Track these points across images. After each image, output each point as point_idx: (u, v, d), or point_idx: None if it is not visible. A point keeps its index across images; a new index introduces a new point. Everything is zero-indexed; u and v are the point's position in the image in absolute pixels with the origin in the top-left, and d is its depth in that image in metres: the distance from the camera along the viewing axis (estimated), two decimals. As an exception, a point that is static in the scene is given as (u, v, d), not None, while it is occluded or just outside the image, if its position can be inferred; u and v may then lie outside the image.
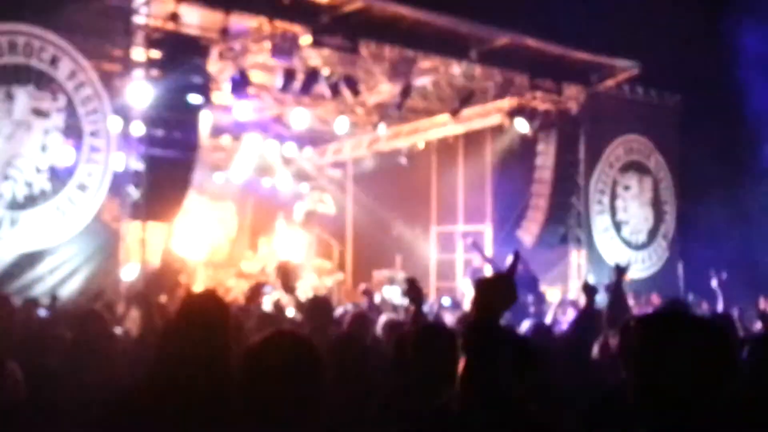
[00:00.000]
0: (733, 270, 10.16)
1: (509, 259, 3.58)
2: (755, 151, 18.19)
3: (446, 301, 14.89)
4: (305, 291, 15.82)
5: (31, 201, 11.49)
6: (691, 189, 18.59)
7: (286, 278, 15.68)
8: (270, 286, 14.84)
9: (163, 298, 11.90)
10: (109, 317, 7.39)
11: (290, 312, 13.33)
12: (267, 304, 12.59)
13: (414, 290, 6.33)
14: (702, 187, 17.97)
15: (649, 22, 16.31)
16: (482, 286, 3.28)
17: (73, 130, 11.90)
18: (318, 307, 7.85)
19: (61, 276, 11.54)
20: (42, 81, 11.64)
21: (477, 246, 16.75)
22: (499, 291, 3.23)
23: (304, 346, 3.29)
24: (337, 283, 17.20)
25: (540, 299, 14.12)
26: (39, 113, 11.62)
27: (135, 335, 7.94)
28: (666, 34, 16.23)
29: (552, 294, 16.81)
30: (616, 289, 7.80)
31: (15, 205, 11.35)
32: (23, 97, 11.46)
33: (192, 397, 3.79)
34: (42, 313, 9.29)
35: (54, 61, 11.77)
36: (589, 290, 7.46)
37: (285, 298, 14.65)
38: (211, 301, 4.37)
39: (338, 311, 9.52)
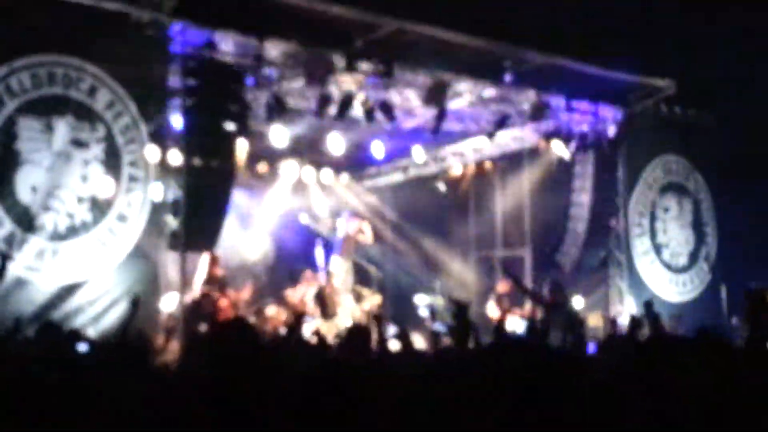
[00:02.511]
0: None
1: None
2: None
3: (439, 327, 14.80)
4: (345, 318, 15.74)
5: (72, 232, 11.48)
6: (732, 209, 18.31)
7: (325, 306, 15.70)
8: (310, 316, 14.80)
9: (203, 327, 11.87)
10: (149, 350, 7.33)
11: (329, 338, 13.28)
12: (307, 333, 12.52)
13: (462, 319, 6.21)
14: (743, 208, 17.74)
15: (686, 41, 16.15)
16: None
17: (112, 160, 11.90)
18: (357, 334, 7.78)
19: (101, 307, 11.49)
20: (81, 111, 11.65)
21: (509, 273, 16.62)
22: None
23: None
24: (376, 307, 17.10)
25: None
26: (78, 144, 11.62)
27: (173, 368, 7.86)
28: (703, 52, 16.06)
29: (593, 318, 16.61)
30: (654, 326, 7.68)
31: (57, 236, 11.35)
32: (63, 128, 11.48)
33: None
34: (83, 346, 9.24)
35: (92, 92, 11.78)
36: (634, 323, 7.38)
37: (324, 326, 14.64)
38: (238, 330, 4.25)
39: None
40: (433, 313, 16.52)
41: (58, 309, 11.12)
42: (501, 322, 15.47)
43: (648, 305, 8.13)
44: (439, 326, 14.94)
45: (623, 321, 14.92)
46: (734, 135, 17.84)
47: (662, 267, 18.00)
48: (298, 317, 9.42)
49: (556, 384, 3.81)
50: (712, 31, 16.23)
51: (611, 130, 17.49)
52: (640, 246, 17.82)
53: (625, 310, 16.75)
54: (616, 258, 17.58)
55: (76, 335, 9.55)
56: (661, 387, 2.89)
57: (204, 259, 14.65)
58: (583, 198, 17.70)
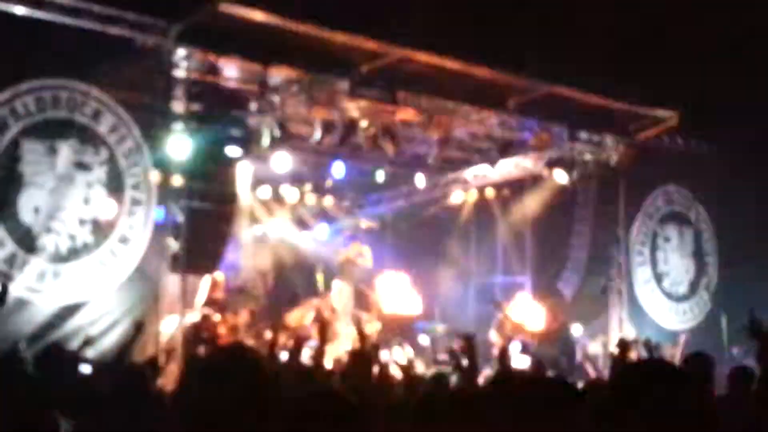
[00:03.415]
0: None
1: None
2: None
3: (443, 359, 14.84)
4: (344, 342, 15.75)
5: (74, 254, 11.57)
6: (735, 241, 18.33)
7: (324, 330, 15.66)
8: (313, 340, 14.81)
9: (201, 351, 11.91)
10: (149, 372, 7.38)
11: (328, 363, 13.30)
12: (306, 357, 12.53)
13: (471, 351, 6.24)
14: (745, 240, 17.77)
15: (689, 71, 16.23)
16: None
17: (115, 183, 12.01)
18: (359, 359, 7.81)
19: (101, 328, 11.54)
20: (85, 135, 11.78)
21: (498, 306, 16.71)
22: None
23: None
24: (375, 333, 17.11)
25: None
26: (82, 167, 11.74)
27: (170, 390, 7.91)
28: (706, 83, 16.14)
29: (593, 347, 16.64)
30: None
31: (58, 258, 11.44)
32: (66, 150, 11.59)
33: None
34: (84, 367, 9.28)
35: (96, 115, 11.90)
36: (623, 346, 7.44)
37: (323, 351, 14.62)
38: (236, 355, 4.28)
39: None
40: (434, 342, 16.54)
41: (58, 330, 11.20)
42: (504, 350, 15.47)
43: (647, 343, 8.19)
44: (442, 357, 14.97)
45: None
46: (736, 165, 17.90)
47: (663, 296, 18.03)
48: (298, 341, 9.45)
49: (558, 414, 3.86)
50: (716, 62, 16.32)
51: (613, 160, 17.53)
52: (641, 275, 17.86)
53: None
54: (617, 287, 17.60)
55: (77, 357, 9.61)
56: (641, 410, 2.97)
57: (205, 281, 14.70)
58: (584, 226, 17.77)
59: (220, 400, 3.95)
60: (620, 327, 17.21)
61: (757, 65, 16.56)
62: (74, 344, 10.82)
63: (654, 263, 18.13)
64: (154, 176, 12.39)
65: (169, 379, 9.92)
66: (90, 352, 10.81)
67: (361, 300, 17.65)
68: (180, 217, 12.77)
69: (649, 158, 17.88)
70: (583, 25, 15.44)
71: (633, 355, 7.70)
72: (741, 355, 14.26)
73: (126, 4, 11.98)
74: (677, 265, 18.44)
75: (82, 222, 11.68)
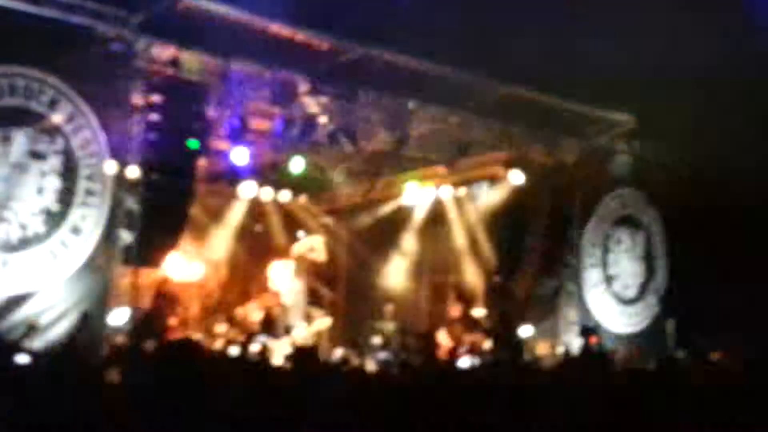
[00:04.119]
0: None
1: None
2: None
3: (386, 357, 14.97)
4: (295, 338, 15.81)
5: (24, 243, 11.49)
6: (685, 244, 18.58)
7: (274, 326, 15.77)
8: (263, 335, 14.85)
9: (150, 344, 11.90)
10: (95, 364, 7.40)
11: (278, 359, 13.36)
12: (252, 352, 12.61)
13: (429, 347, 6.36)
14: (695, 243, 18.01)
15: (646, 76, 16.40)
16: None
17: (69, 173, 11.93)
18: (305, 356, 7.88)
19: (49, 319, 11.49)
20: (40, 123, 11.69)
21: (462, 299, 16.83)
22: None
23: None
24: (326, 330, 17.18)
25: None
26: (36, 155, 11.65)
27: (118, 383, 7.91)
28: (663, 88, 16.32)
29: (542, 347, 16.80)
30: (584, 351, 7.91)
31: (8, 247, 11.35)
32: (21, 139, 11.50)
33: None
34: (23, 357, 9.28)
35: (53, 104, 11.82)
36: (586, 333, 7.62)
37: (273, 346, 14.70)
38: (185, 351, 4.34)
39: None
40: (386, 340, 16.59)
41: (4, 319, 11.12)
42: (453, 351, 15.67)
43: (585, 331, 8.36)
44: (385, 356, 15.09)
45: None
46: (691, 171, 18.15)
47: (612, 298, 18.25)
48: (249, 337, 9.53)
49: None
50: (673, 69, 16.50)
51: (569, 162, 17.70)
52: (592, 277, 18.05)
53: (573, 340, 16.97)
54: (567, 288, 17.78)
55: (15, 347, 9.59)
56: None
57: (156, 275, 14.66)
58: (538, 228, 17.89)
59: (167, 396, 4.01)
60: (570, 329, 17.40)
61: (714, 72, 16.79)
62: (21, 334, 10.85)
63: (605, 265, 18.32)
64: (111, 167, 12.32)
65: (116, 371, 9.91)
66: (37, 343, 10.83)
67: (314, 295, 17.71)
68: (135, 209, 12.69)
69: (604, 161, 18.09)
70: (544, 28, 15.55)
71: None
72: (686, 358, 14.49)
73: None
74: (628, 268, 18.67)
75: (33, 211, 11.59)
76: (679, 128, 17.36)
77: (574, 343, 16.48)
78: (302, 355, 8.19)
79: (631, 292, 18.65)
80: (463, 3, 15.34)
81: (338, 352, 14.58)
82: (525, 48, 15.25)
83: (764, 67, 15.93)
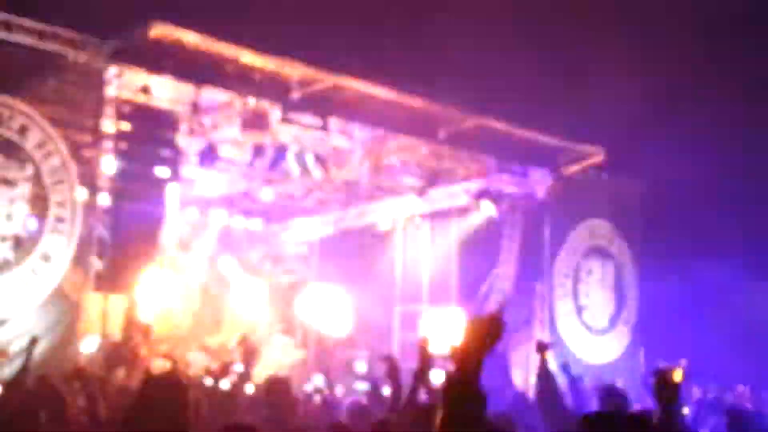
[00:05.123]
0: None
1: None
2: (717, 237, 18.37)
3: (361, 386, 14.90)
4: (267, 367, 15.68)
5: (-7, 270, 11.38)
6: (654, 274, 18.72)
7: (247, 355, 15.59)
8: (238, 365, 14.70)
9: (121, 372, 11.79)
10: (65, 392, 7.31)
11: (250, 388, 13.23)
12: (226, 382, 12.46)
13: (393, 371, 6.33)
14: (664, 273, 18.16)
15: (616, 109, 16.58)
16: (472, 324, 3.26)
17: (39, 200, 11.84)
18: (276, 388, 7.82)
19: (19, 347, 11.30)
20: (9, 150, 11.62)
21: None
22: (489, 329, 3.22)
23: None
24: (300, 361, 17.09)
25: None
26: (5, 182, 11.57)
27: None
28: (631, 121, 16.51)
29: (515, 375, 16.80)
30: (541, 368, 7.88)
31: (-23, 275, 11.24)
32: (-10, 165, 11.44)
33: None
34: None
35: (23, 131, 11.75)
36: (541, 348, 7.60)
37: (246, 375, 14.55)
38: (172, 382, 4.33)
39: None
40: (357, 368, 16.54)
41: (-27, 348, 10.99)
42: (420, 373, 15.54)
43: (540, 346, 8.37)
44: (360, 385, 15.01)
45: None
46: (660, 202, 18.34)
47: (583, 328, 18.30)
48: (225, 367, 9.44)
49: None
50: (645, 102, 16.72)
51: (540, 193, 17.82)
52: (563, 307, 18.11)
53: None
54: (539, 318, 17.82)
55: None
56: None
57: (127, 302, 14.55)
58: (509, 258, 17.98)
59: (150, 426, 3.98)
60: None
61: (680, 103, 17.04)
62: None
63: (576, 296, 18.40)
64: (81, 194, 12.25)
65: (82, 399, 9.78)
66: (6, 370, 10.67)
67: (287, 323, 17.63)
68: (105, 237, 12.62)
69: (575, 192, 18.21)
70: (514, 60, 15.71)
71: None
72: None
73: (59, 20, 11.88)
74: (598, 298, 18.76)
75: (3, 238, 11.49)
76: (648, 159, 17.59)
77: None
78: (275, 385, 8.14)
79: (602, 323, 18.72)
80: (436, 35, 15.51)
81: (313, 381, 14.47)
82: (496, 79, 15.44)
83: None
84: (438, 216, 18.97)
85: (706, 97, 17.26)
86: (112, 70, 12.61)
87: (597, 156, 17.88)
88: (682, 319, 17.54)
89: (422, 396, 6.52)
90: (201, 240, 17.47)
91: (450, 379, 3.21)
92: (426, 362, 6.01)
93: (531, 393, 13.84)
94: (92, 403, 7.01)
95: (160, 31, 12.19)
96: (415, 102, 14.89)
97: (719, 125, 17.43)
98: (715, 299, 17.91)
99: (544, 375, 7.72)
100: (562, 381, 10.22)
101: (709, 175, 17.61)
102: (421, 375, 5.95)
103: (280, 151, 14.77)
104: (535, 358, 16.75)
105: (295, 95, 14.18)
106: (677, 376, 6.96)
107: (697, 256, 17.89)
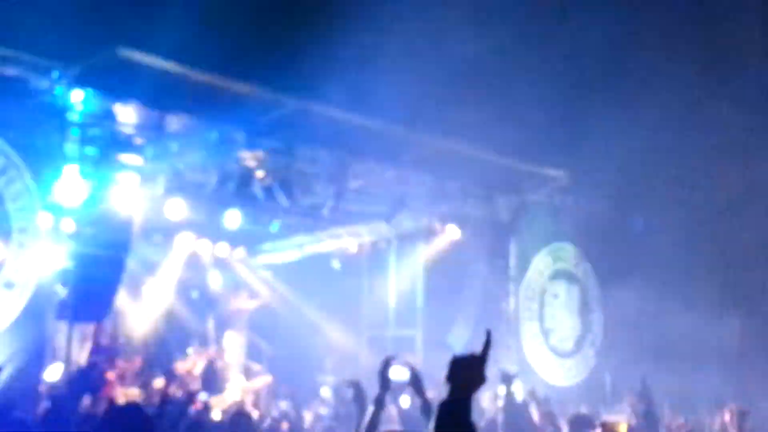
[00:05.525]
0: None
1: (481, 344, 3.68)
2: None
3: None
4: (234, 393, 15.60)
5: (-45, 298, 11.24)
6: (619, 297, 18.80)
7: (214, 380, 15.53)
8: (204, 391, 14.62)
9: (86, 400, 11.64)
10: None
11: (217, 415, 13.16)
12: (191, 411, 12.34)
13: (359, 396, 6.32)
14: (630, 297, 18.24)
15: (580, 133, 16.71)
16: (457, 364, 3.36)
17: (1, 226, 11.72)
18: (238, 421, 7.83)
19: (-19, 375, 11.19)
20: (-29, 175, 11.51)
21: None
22: (472, 370, 3.33)
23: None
24: (265, 385, 16.97)
25: None
26: (-33, 208, 11.45)
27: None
28: (596, 144, 16.62)
29: (485, 399, 16.77)
30: (507, 402, 7.95)
31: (-61, 303, 11.08)
32: (-49, 191, 11.30)
33: None
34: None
35: (-15, 156, 11.65)
36: (506, 379, 7.67)
37: (212, 401, 14.47)
38: (135, 412, 4.30)
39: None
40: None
41: (-64, 376, 10.81)
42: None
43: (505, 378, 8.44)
44: (326, 410, 14.93)
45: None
46: (624, 225, 18.49)
47: (549, 351, 18.39)
48: (188, 394, 9.39)
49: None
50: (608, 125, 16.83)
51: (505, 217, 17.90)
52: (529, 330, 18.20)
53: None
54: (505, 341, 17.84)
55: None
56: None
57: (93, 329, 14.38)
58: (475, 281, 18.02)
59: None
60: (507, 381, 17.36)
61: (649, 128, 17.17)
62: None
63: (542, 319, 18.50)
64: (44, 220, 12.13)
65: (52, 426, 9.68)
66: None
67: (252, 348, 17.53)
68: (69, 263, 12.46)
69: (540, 216, 18.33)
70: (478, 85, 15.80)
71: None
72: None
73: (22, 44, 11.80)
74: (564, 321, 18.86)
75: (-35, 266, 11.37)
76: (611, 183, 17.74)
77: (516, 393, 16.46)
78: (237, 417, 8.12)
79: (568, 345, 18.82)
80: (402, 63, 15.55)
81: (278, 407, 14.42)
82: (460, 102, 15.49)
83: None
84: (403, 240, 19.00)
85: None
86: (75, 95, 12.51)
87: (561, 180, 18.00)
88: (646, 343, 17.59)
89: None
90: (167, 265, 17.35)
91: (442, 415, 3.30)
92: (386, 386, 5.94)
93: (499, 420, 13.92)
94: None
95: (124, 55, 12.12)
96: (380, 125, 14.90)
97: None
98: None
99: (511, 408, 7.78)
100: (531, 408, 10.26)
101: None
102: (381, 399, 5.89)
103: (246, 177, 14.67)
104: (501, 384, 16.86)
105: (261, 120, 14.16)
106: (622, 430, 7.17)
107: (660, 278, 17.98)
